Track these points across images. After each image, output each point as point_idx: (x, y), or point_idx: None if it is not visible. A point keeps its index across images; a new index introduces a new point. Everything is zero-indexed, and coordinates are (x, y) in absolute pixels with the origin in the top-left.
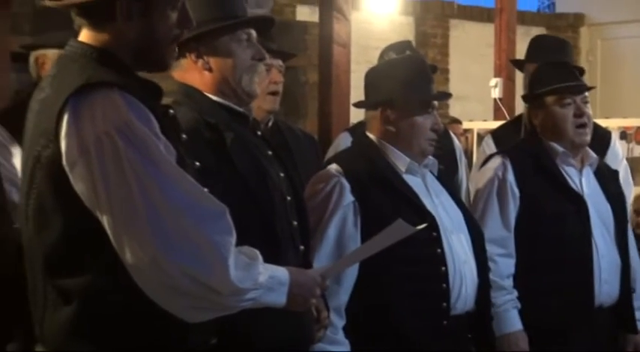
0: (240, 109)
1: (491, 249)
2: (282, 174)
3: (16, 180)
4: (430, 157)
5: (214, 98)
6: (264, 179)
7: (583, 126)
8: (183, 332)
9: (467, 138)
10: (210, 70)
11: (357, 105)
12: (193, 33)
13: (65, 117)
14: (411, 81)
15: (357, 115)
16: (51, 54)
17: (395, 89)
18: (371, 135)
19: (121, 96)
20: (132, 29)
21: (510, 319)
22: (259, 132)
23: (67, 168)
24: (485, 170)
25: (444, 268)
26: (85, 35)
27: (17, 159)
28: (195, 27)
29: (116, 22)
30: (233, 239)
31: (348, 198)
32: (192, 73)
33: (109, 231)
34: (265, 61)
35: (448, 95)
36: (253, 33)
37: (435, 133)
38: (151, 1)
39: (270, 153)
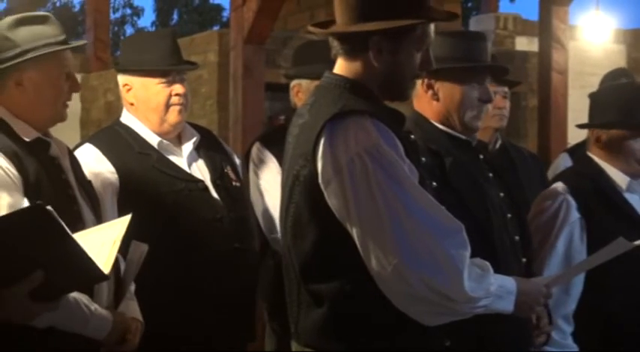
0: (463, 137)
1: None
2: (502, 194)
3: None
4: None
5: (439, 126)
6: (483, 199)
7: None
8: (420, 335)
9: None
10: (437, 100)
11: (581, 126)
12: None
13: (322, 141)
14: (629, 107)
15: (574, 137)
16: (305, 83)
17: (614, 113)
18: (592, 156)
19: (371, 123)
20: (380, 63)
21: None
22: (481, 156)
23: (322, 186)
24: None
25: None
26: (339, 67)
27: (272, 176)
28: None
29: (367, 55)
30: (468, 253)
31: (575, 215)
32: (422, 100)
33: (357, 242)
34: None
35: None
36: (485, 76)
37: None
38: (400, 41)
39: (490, 175)
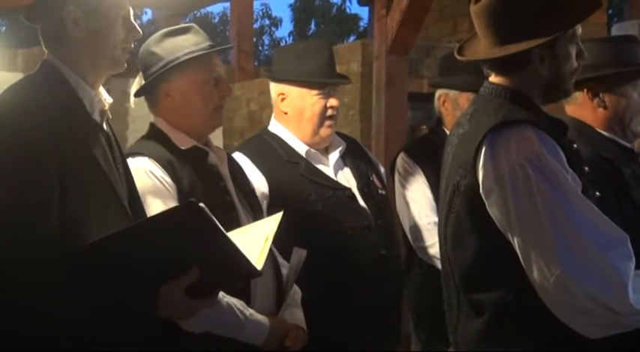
0: (629, 145)
1: None
2: None
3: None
4: None
5: (605, 134)
6: None
7: None
8: (583, 346)
9: None
10: (604, 107)
11: None
12: (597, 73)
13: (483, 151)
14: None
15: None
16: (451, 94)
17: None
18: None
19: (533, 132)
20: (543, 70)
21: None
22: None
23: (483, 195)
24: None
25: None
26: (497, 77)
27: (418, 186)
28: (596, 68)
29: (530, 67)
30: (632, 264)
31: None
32: (586, 108)
33: (518, 252)
34: None
35: None
36: None
37: None
38: (558, 44)
39: None
